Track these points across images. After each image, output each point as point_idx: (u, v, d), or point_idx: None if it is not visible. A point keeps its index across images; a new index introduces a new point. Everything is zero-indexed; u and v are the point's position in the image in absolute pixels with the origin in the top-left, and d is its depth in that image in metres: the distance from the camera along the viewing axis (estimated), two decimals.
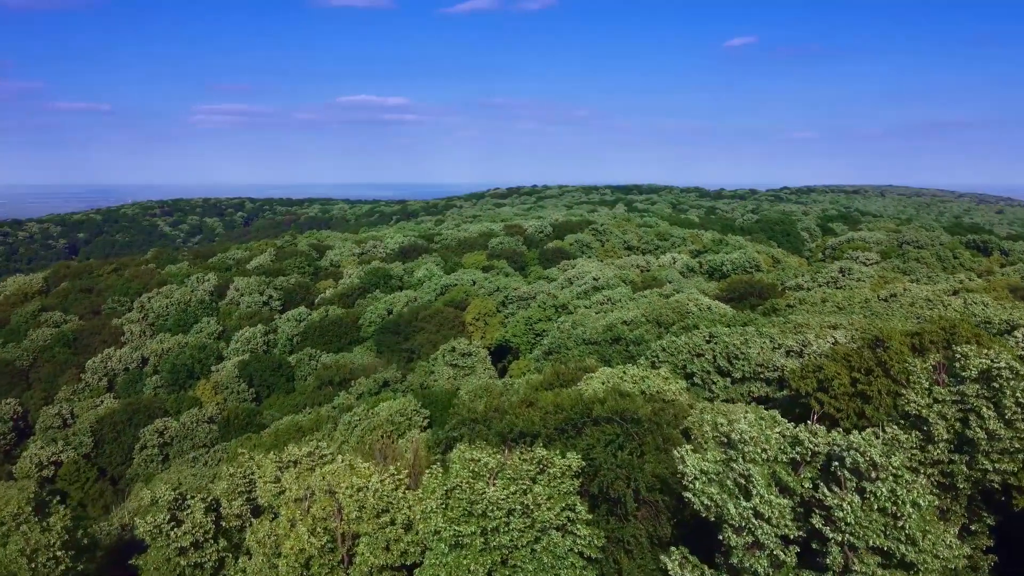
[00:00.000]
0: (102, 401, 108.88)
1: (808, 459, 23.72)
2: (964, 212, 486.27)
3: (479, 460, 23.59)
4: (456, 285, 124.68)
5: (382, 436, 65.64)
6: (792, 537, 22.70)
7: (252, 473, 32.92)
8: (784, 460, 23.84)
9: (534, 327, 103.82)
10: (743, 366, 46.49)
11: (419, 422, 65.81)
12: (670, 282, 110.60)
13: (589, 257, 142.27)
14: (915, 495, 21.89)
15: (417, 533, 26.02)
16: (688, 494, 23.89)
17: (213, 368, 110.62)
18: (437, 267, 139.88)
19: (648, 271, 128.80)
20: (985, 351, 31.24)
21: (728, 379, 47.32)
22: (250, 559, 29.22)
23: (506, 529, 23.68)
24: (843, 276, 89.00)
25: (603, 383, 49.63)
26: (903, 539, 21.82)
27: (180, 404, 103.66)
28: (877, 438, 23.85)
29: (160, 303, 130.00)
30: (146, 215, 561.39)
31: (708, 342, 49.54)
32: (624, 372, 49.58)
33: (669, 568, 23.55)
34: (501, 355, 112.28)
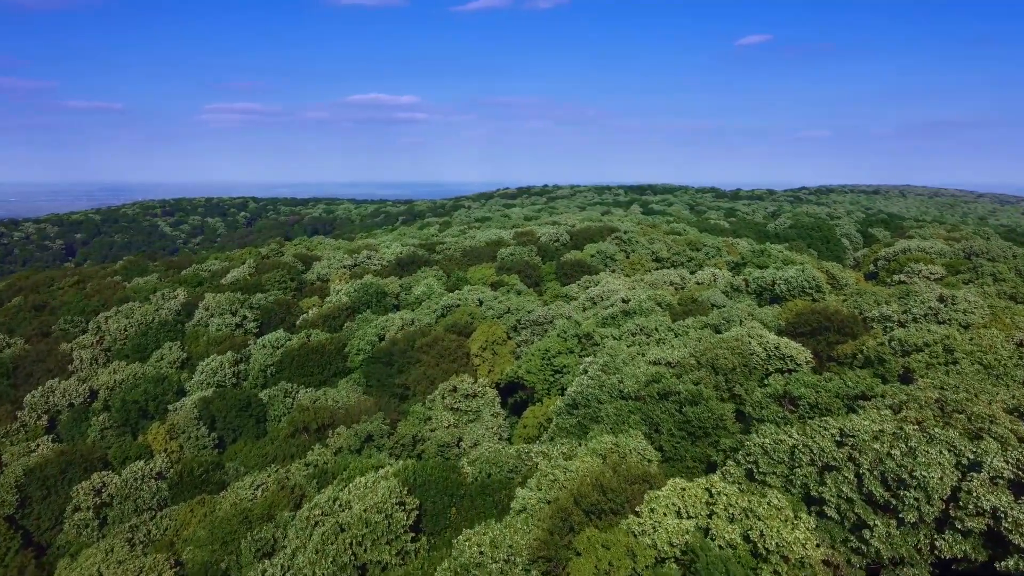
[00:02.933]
0: (38, 445, 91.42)
1: None
2: (989, 213, 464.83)
3: None
4: (460, 306, 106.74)
5: (351, 544, 47.90)
6: None
7: None
8: None
9: (552, 362, 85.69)
10: (917, 500, 27.73)
11: (402, 520, 47.92)
12: (715, 306, 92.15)
13: (613, 271, 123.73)
14: None
15: None
16: None
17: (170, 406, 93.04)
18: (438, 282, 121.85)
19: (683, 288, 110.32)
20: None
21: (893, 520, 28.65)
22: None
23: None
24: (944, 306, 70.33)
25: (678, 513, 31.46)
26: None
27: (126, 453, 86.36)
28: None
29: (119, 324, 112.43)
30: (146, 215, 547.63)
31: (841, 445, 31.17)
32: (711, 496, 31.42)
33: None
34: (512, 390, 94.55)
